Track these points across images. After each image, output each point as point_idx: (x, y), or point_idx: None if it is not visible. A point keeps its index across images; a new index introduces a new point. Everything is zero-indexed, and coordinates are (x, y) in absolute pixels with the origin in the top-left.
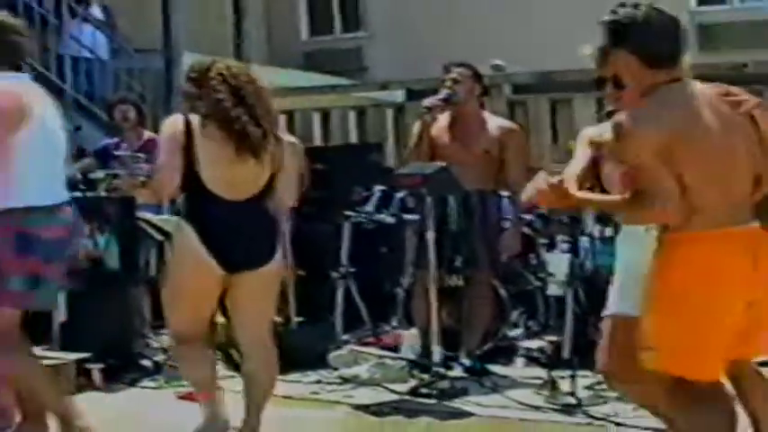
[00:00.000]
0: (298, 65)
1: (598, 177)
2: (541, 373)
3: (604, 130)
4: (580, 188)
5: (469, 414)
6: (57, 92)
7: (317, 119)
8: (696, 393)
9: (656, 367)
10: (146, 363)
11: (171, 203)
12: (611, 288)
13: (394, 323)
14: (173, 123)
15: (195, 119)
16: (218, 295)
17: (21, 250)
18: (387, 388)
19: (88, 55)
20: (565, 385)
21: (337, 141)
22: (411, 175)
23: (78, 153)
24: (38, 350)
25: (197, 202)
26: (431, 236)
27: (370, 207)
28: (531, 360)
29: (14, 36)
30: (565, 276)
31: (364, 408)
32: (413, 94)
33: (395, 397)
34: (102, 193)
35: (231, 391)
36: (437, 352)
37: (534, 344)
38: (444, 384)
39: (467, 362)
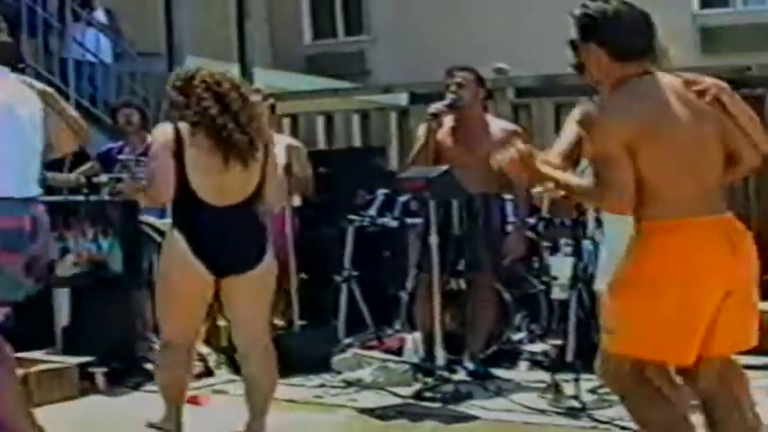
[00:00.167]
0: (301, 68)
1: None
2: (545, 376)
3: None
4: (564, 165)
5: (474, 418)
6: (60, 95)
7: (320, 122)
8: (651, 389)
9: (615, 350)
10: (149, 366)
11: None
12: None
13: (397, 327)
14: (163, 132)
15: (185, 127)
16: (209, 300)
17: None
18: (390, 392)
19: (91, 59)
20: (568, 389)
21: (341, 145)
22: (414, 179)
23: (81, 157)
24: (40, 354)
25: (186, 208)
26: (434, 239)
27: (373, 211)
28: (535, 363)
29: None
30: (568, 280)
31: (369, 411)
32: (416, 98)
33: (399, 401)
34: (106, 197)
35: (234, 394)
36: (441, 355)
37: (538, 347)
38: (448, 388)
39: (470, 365)
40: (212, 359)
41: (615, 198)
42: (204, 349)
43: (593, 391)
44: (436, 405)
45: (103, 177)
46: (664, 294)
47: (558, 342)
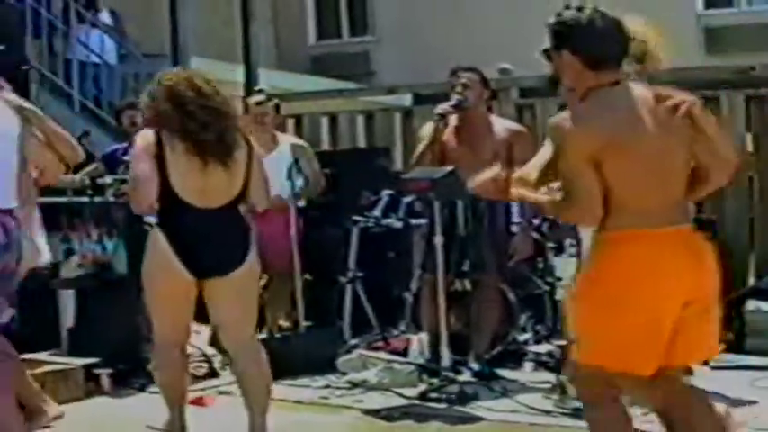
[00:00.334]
0: (305, 69)
1: None
2: (550, 377)
3: None
4: (543, 179)
5: (479, 418)
6: (64, 97)
7: (324, 123)
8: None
9: (580, 360)
10: None
11: None
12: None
13: (402, 327)
14: (145, 136)
15: (165, 131)
16: (194, 300)
17: None
18: (396, 392)
19: (96, 60)
20: (573, 389)
21: (346, 146)
22: (419, 180)
23: (86, 158)
24: (45, 355)
25: (170, 210)
26: (439, 240)
27: (377, 211)
28: (540, 364)
29: None
30: (573, 280)
31: (374, 412)
32: (420, 99)
33: (404, 401)
34: (110, 199)
35: (239, 395)
36: (446, 356)
37: (543, 348)
38: (454, 389)
39: (476, 366)
40: (217, 360)
41: (583, 211)
42: (209, 350)
43: None
44: (442, 406)
45: (108, 179)
46: (623, 303)
47: (563, 343)
